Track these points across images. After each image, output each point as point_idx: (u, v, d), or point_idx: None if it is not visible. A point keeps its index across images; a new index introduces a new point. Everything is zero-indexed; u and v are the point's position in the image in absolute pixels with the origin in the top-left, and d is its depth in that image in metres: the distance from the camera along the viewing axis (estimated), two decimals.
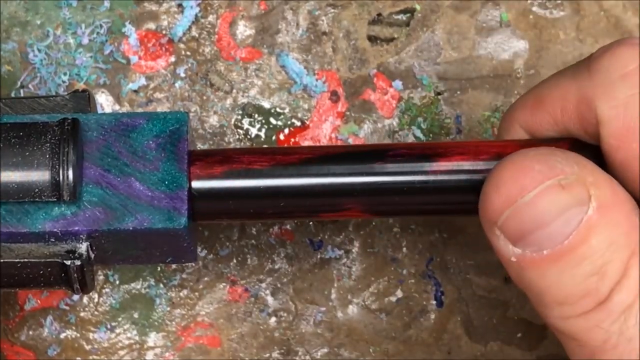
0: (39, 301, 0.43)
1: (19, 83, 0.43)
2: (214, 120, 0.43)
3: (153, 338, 0.43)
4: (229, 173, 0.35)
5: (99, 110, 0.43)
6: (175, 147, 0.35)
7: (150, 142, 0.35)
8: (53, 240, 0.34)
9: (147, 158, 0.35)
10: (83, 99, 0.35)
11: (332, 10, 0.43)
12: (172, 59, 0.43)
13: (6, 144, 0.33)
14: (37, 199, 0.33)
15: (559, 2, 0.44)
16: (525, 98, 0.36)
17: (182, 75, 0.43)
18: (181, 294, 0.43)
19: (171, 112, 0.36)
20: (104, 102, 0.43)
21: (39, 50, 0.43)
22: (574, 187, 0.31)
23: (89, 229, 0.34)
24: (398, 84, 0.43)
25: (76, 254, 0.34)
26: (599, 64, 0.33)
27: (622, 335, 0.30)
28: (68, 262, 0.34)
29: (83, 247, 0.34)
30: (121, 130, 0.35)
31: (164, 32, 0.43)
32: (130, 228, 0.34)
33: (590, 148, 0.35)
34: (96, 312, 0.43)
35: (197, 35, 0.43)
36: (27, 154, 0.33)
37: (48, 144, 0.33)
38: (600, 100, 0.33)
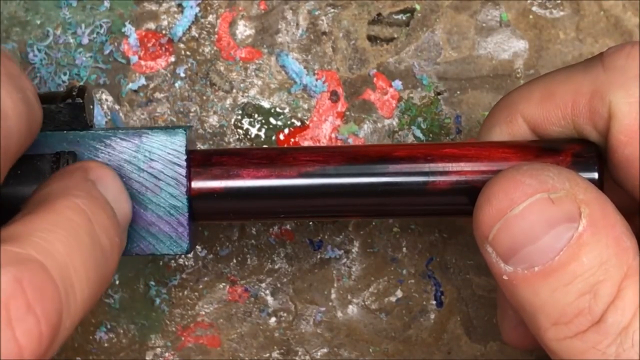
0: None
1: None
2: (213, 120, 0.43)
3: (153, 338, 0.43)
4: (229, 176, 0.35)
5: (99, 110, 0.43)
6: (173, 170, 0.35)
7: (149, 165, 0.35)
8: None
9: (145, 181, 0.35)
10: (78, 108, 0.35)
11: (332, 10, 0.43)
12: (172, 59, 0.43)
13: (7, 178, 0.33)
14: None
15: (559, 2, 0.44)
16: (530, 91, 0.36)
17: (182, 75, 0.43)
18: (181, 294, 0.43)
19: (170, 131, 0.35)
20: (104, 102, 0.43)
21: (39, 50, 0.43)
22: (564, 202, 0.31)
23: None
24: (398, 83, 0.43)
25: None
26: (615, 61, 0.33)
27: (619, 358, 0.30)
28: None
29: None
30: (118, 152, 0.35)
31: (163, 32, 0.43)
32: (134, 254, 0.34)
33: (593, 147, 0.34)
34: (96, 312, 0.43)
35: (197, 35, 0.43)
36: (26, 187, 0.33)
37: (47, 178, 0.33)
38: (615, 95, 0.33)
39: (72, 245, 0.29)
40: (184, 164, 0.35)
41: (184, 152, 0.35)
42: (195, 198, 0.35)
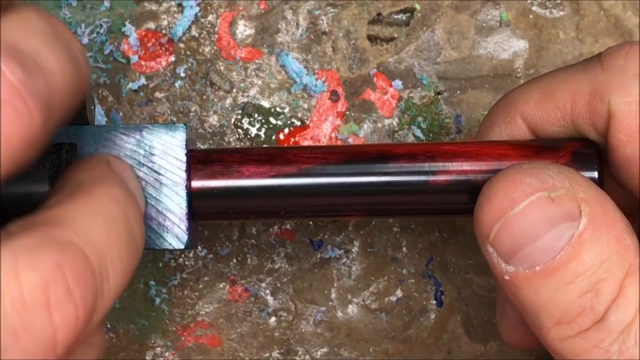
0: None
1: None
2: (213, 119, 0.43)
3: (153, 338, 0.43)
4: (228, 173, 0.35)
5: (99, 110, 0.43)
6: (173, 164, 0.35)
7: (149, 159, 0.35)
8: None
9: (145, 176, 0.35)
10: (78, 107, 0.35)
11: (332, 10, 0.43)
12: (172, 58, 0.43)
13: None
14: None
15: (559, 1, 0.44)
16: (529, 91, 0.36)
17: (182, 74, 0.43)
18: (181, 293, 0.43)
19: (170, 126, 0.35)
20: (104, 101, 0.43)
21: None
22: (564, 200, 0.31)
23: None
24: (398, 83, 0.43)
25: None
26: (614, 61, 0.33)
27: (622, 356, 0.30)
28: None
29: None
30: (118, 146, 0.35)
31: (163, 31, 0.43)
32: None
33: (593, 146, 0.35)
34: None
35: (197, 35, 0.43)
36: (27, 179, 0.33)
37: (47, 168, 0.33)
38: (614, 95, 0.33)
39: (110, 234, 0.29)
40: (184, 158, 0.35)
41: (184, 146, 0.35)
42: (194, 195, 0.35)
